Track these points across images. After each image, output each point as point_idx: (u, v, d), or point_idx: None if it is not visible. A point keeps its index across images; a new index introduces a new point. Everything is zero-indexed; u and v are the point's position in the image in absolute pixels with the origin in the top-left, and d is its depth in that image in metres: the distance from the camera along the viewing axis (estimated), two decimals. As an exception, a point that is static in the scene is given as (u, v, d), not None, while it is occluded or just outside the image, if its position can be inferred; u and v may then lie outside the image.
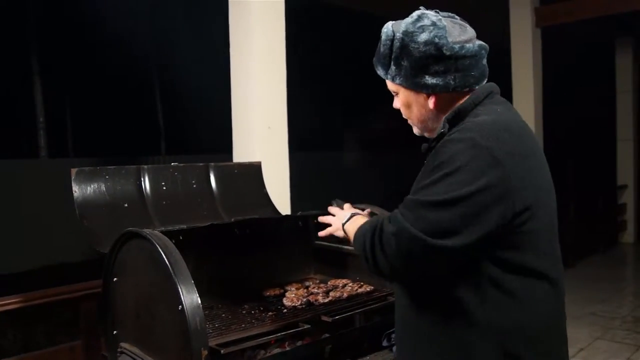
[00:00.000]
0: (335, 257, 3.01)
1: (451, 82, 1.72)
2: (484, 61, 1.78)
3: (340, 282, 2.84)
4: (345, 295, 2.62)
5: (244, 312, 2.51)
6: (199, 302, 1.89)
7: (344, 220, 1.98)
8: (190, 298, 1.88)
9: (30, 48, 6.04)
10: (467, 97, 1.76)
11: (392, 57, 1.75)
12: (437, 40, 1.68)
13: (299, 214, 2.94)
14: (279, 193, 3.51)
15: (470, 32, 1.76)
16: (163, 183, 2.80)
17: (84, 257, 4.61)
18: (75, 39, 6.09)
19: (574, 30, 7.90)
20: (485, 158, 1.56)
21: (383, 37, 1.77)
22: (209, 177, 2.97)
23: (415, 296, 1.77)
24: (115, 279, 2.31)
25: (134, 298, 2.21)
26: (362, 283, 2.78)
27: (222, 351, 1.98)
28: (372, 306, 2.55)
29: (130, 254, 2.22)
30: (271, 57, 3.66)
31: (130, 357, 2.21)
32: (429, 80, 1.72)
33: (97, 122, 6.42)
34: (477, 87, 1.77)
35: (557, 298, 1.73)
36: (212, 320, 2.36)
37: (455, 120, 1.74)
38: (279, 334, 2.21)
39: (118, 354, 2.28)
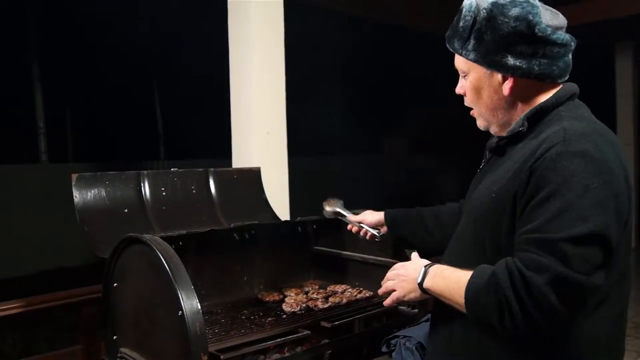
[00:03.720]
0: (334, 262, 3.01)
1: (535, 67, 1.56)
2: (570, 55, 1.63)
3: (339, 287, 2.84)
4: (344, 300, 2.62)
5: (244, 317, 2.52)
6: (199, 307, 1.89)
7: (418, 277, 1.68)
8: (190, 303, 1.88)
9: (31, 53, 6.05)
10: (550, 93, 1.61)
11: (474, 29, 1.60)
12: (530, 17, 1.54)
13: (298, 219, 2.95)
14: (278, 198, 3.52)
15: (562, 20, 1.63)
16: (163, 188, 2.80)
17: (84, 262, 4.62)
18: (76, 45, 6.09)
19: (574, 33, 7.89)
20: (606, 174, 1.41)
21: (464, 9, 1.63)
22: (209, 182, 2.98)
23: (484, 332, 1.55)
24: (115, 284, 2.31)
25: (134, 303, 2.22)
26: (361, 289, 2.78)
27: (221, 357, 1.99)
28: (371, 312, 2.55)
29: (131, 259, 2.22)
30: (270, 62, 3.66)
31: (130, 362, 2.21)
32: (511, 60, 1.56)
33: (98, 127, 6.42)
34: (559, 82, 1.63)
35: (622, 316, 1.60)
36: (211, 326, 2.36)
37: (534, 119, 1.59)
38: (279, 340, 2.21)
39: (118, 359, 2.28)
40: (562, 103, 1.60)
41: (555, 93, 1.61)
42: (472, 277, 1.50)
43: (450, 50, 1.72)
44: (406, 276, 1.74)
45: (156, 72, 6.79)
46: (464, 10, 1.64)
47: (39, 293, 3.67)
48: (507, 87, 1.61)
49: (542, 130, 1.56)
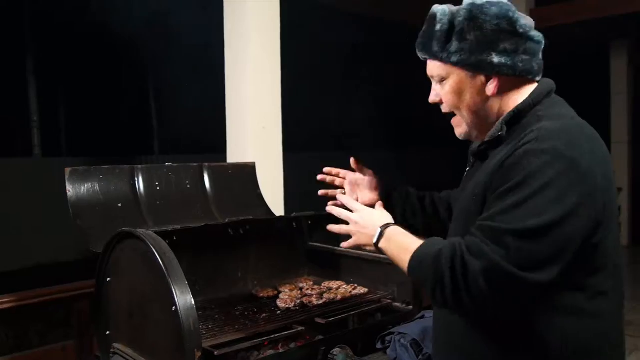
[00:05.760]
0: (329, 258, 3.00)
1: (519, 64, 1.57)
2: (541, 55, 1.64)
3: (334, 283, 2.83)
4: (339, 297, 2.62)
5: (238, 313, 2.51)
6: (193, 303, 1.88)
7: (374, 236, 1.73)
8: (184, 299, 1.87)
9: (25, 47, 6.02)
10: (527, 92, 1.61)
11: (455, 31, 1.58)
12: (510, 14, 1.56)
13: (292, 214, 2.94)
14: (273, 194, 3.51)
15: (531, 20, 1.63)
16: (157, 183, 2.78)
17: (77, 257, 4.60)
18: (70, 38, 6.07)
19: (569, 32, 7.91)
20: (572, 172, 1.40)
21: (438, 14, 1.61)
22: (203, 177, 2.96)
23: (477, 322, 1.60)
24: (108, 279, 2.29)
25: (127, 298, 2.20)
26: (355, 285, 2.78)
27: (215, 352, 1.98)
28: (366, 308, 2.55)
29: (124, 254, 2.21)
30: (266, 57, 3.65)
31: (123, 357, 2.20)
32: (496, 58, 1.55)
33: (91, 121, 6.40)
34: (537, 79, 1.63)
35: (620, 312, 1.60)
36: (205, 321, 2.35)
37: (512, 122, 1.59)
38: (273, 336, 2.21)
39: (111, 355, 2.27)
40: (540, 102, 1.60)
41: (532, 93, 1.61)
42: (421, 245, 1.58)
43: (423, 57, 1.71)
44: (365, 228, 1.77)
45: (151, 66, 6.77)
46: (437, 15, 1.63)
47: (31, 287, 3.65)
48: (492, 86, 1.60)
49: (520, 132, 1.55)
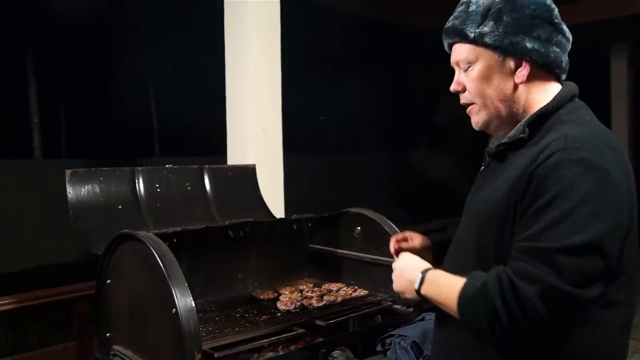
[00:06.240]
0: (329, 260, 3.01)
1: (551, 54, 1.54)
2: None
3: (334, 286, 2.84)
4: (339, 299, 2.62)
5: (238, 315, 2.51)
6: (193, 305, 1.88)
7: (415, 283, 1.66)
8: (184, 301, 1.87)
9: (26, 48, 6.02)
10: (552, 94, 1.57)
11: (492, 11, 1.55)
12: (548, 2, 1.55)
13: (293, 217, 2.94)
14: (273, 196, 3.51)
15: None
16: (157, 185, 2.79)
17: (78, 259, 4.59)
18: (70, 40, 6.07)
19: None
20: (605, 183, 1.37)
21: None
22: (203, 179, 2.96)
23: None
24: (108, 280, 2.30)
25: (127, 300, 2.20)
26: (356, 287, 2.78)
27: (215, 355, 1.98)
28: (366, 310, 2.55)
29: (124, 256, 2.21)
30: (266, 59, 3.65)
31: (123, 359, 2.20)
32: (529, 43, 1.53)
33: (92, 123, 6.40)
34: (563, 78, 1.61)
35: (629, 325, 1.56)
36: (205, 324, 2.35)
37: (535, 124, 1.54)
38: (273, 338, 2.21)
39: (111, 357, 2.27)
40: (563, 105, 1.56)
41: (556, 95, 1.57)
42: (465, 284, 1.50)
43: (450, 42, 1.67)
44: (402, 277, 1.73)
45: (151, 68, 6.77)
46: None
47: (32, 289, 3.65)
48: (522, 72, 1.56)
49: (543, 135, 1.52)
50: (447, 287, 1.57)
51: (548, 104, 1.56)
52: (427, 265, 1.71)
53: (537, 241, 1.37)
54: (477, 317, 1.44)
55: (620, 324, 1.51)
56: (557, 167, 1.39)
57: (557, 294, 1.33)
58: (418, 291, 1.65)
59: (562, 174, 1.37)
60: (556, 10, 1.56)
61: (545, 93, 1.59)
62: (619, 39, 10.09)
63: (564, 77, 1.63)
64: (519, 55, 1.55)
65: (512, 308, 1.36)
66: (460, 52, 1.64)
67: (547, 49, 1.54)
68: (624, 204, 1.41)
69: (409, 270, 1.72)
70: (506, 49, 1.55)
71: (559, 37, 1.56)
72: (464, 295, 1.49)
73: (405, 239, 2.06)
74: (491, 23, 1.55)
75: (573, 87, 1.62)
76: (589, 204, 1.34)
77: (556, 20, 1.55)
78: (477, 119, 1.66)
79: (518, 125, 1.59)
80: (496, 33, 1.55)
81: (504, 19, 1.54)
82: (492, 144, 1.70)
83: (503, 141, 1.60)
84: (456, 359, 1.65)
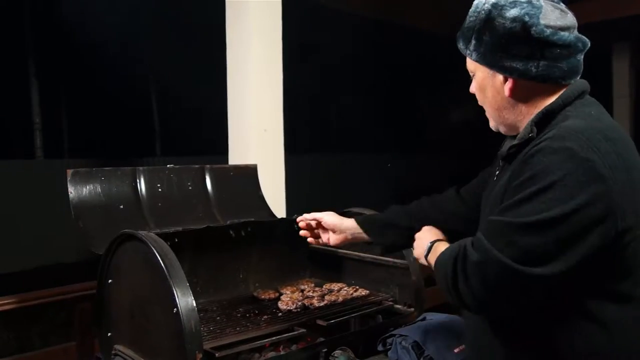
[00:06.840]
0: (330, 260, 3.00)
1: (532, 69, 1.53)
2: (579, 56, 1.60)
3: (335, 285, 2.83)
4: (340, 299, 2.62)
5: (239, 315, 2.51)
6: (194, 304, 1.88)
7: (425, 251, 1.80)
8: (185, 301, 1.87)
9: (27, 49, 6.02)
10: (556, 96, 1.57)
11: (475, 30, 1.59)
12: (527, 18, 1.50)
13: (294, 216, 2.93)
14: (275, 196, 3.51)
15: (571, 20, 1.58)
16: (159, 185, 2.79)
17: (79, 258, 4.60)
18: (72, 41, 6.06)
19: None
20: (584, 172, 1.36)
21: (472, 8, 1.61)
22: (205, 179, 2.96)
23: (496, 326, 1.59)
24: (110, 280, 2.30)
25: (128, 300, 2.20)
26: (357, 287, 2.78)
27: (216, 354, 1.98)
28: (367, 310, 2.55)
29: (126, 256, 2.21)
30: (268, 59, 3.65)
31: (124, 359, 2.20)
32: (507, 62, 1.54)
33: (93, 123, 6.39)
34: (565, 83, 1.58)
35: None
36: (206, 323, 2.35)
37: (542, 123, 1.55)
38: (274, 338, 2.20)
39: (112, 356, 2.27)
40: (570, 103, 1.56)
41: (562, 94, 1.57)
42: (445, 249, 1.63)
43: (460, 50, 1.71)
44: (419, 245, 1.87)
45: (153, 68, 6.77)
46: (471, 9, 1.63)
47: (33, 289, 3.66)
48: (507, 87, 1.59)
49: (547, 132, 1.51)
50: (437, 253, 1.70)
51: (554, 102, 1.56)
52: (438, 236, 1.85)
53: (500, 216, 1.44)
54: (440, 281, 1.56)
55: (634, 320, 1.48)
56: (536, 153, 1.43)
57: (494, 265, 1.39)
58: (426, 258, 1.79)
59: (539, 159, 1.41)
60: (539, 23, 1.51)
61: (549, 99, 1.59)
62: (620, 40, 10.07)
63: (569, 81, 1.60)
64: (502, 72, 1.58)
65: (457, 272, 1.47)
66: (467, 60, 1.69)
67: (527, 65, 1.53)
68: (612, 195, 1.37)
69: (424, 239, 1.86)
70: (491, 65, 1.59)
71: (547, 50, 1.52)
72: (437, 261, 1.64)
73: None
74: (474, 42, 1.60)
75: (582, 84, 1.62)
76: (558, 190, 1.36)
77: (536, 35, 1.50)
78: (490, 123, 1.73)
79: (526, 125, 1.60)
80: (479, 52, 1.60)
81: (484, 38, 1.57)
82: (504, 148, 1.70)
83: (514, 143, 1.61)
84: (471, 352, 1.74)
